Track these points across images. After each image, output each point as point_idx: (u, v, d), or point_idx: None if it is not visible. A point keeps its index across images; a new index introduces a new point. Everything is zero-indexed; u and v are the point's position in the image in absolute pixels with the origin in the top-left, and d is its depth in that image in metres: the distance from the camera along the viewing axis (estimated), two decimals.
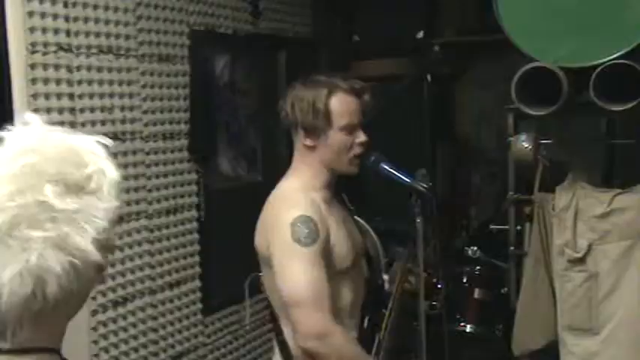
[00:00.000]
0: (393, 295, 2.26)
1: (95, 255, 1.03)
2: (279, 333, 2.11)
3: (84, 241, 1.01)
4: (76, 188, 1.02)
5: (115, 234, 1.13)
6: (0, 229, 0.98)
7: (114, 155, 1.11)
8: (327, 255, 2.02)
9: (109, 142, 1.09)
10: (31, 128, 1.06)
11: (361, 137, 2.11)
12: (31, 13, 2.25)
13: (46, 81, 2.31)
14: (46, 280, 0.99)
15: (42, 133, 1.06)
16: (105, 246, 1.06)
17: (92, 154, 1.07)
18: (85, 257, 1.02)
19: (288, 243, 1.96)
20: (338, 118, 2.07)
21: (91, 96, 2.49)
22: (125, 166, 2.62)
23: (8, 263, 0.98)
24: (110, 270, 2.51)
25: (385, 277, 2.41)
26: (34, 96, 2.27)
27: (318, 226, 1.98)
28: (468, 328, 3.40)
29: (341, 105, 2.08)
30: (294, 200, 2.05)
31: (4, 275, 0.98)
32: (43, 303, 1.00)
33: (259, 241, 2.09)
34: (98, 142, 1.08)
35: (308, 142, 2.09)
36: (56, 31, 2.34)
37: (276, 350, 2.14)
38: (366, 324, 2.19)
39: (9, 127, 1.06)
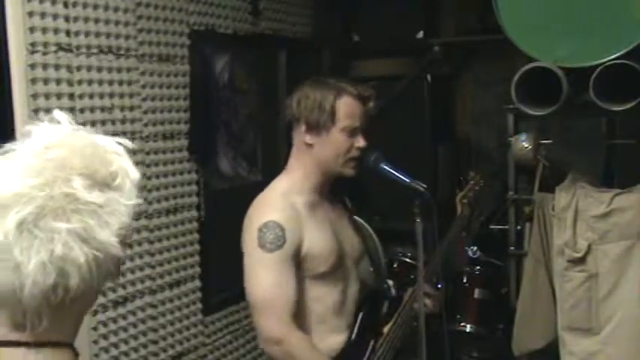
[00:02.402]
0: (404, 302, 2.26)
1: (117, 249, 1.05)
2: None
3: (107, 234, 1.04)
4: (101, 184, 1.05)
5: (132, 230, 1.15)
6: (27, 219, 0.99)
7: None
8: (298, 259, 2.05)
9: (129, 143, 1.12)
10: (59, 125, 1.09)
11: (360, 142, 2.12)
12: (31, 13, 2.25)
13: (46, 81, 2.31)
14: (69, 272, 1.01)
15: (70, 130, 1.10)
16: (124, 241, 1.09)
17: (115, 153, 1.10)
18: (107, 250, 1.04)
19: (254, 247, 2.02)
20: (342, 118, 2.09)
21: (91, 96, 2.49)
22: None
23: (34, 254, 0.99)
24: None
25: (390, 282, 2.42)
26: (34, 96, 2.26)
27: (286, 232, 2.01)
28: (468, 328, 3.39)
29: (346, 107, 2.10)
30: (269, 205, 2.09)
31: (29, 265, 0.99)
32: (63, 295, 1.02)
33: (242, 241, 2.13)
34: (119, 143, 1.12)
35: (308, 138, 2.11)
36: (56, 31, 2.34)
37: None
38: (357, 326, 2.19)
39: (39, 122, 1.09)
